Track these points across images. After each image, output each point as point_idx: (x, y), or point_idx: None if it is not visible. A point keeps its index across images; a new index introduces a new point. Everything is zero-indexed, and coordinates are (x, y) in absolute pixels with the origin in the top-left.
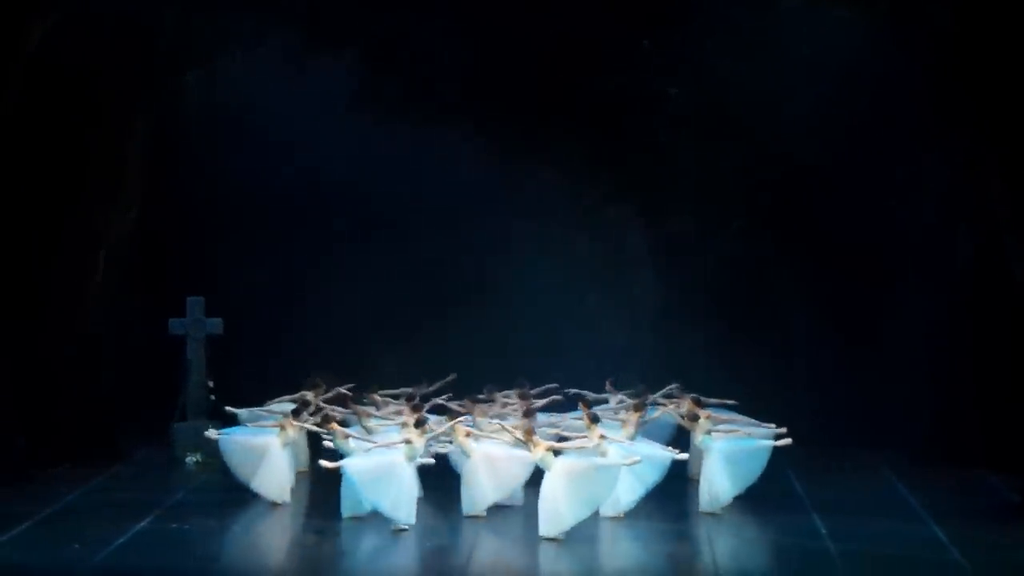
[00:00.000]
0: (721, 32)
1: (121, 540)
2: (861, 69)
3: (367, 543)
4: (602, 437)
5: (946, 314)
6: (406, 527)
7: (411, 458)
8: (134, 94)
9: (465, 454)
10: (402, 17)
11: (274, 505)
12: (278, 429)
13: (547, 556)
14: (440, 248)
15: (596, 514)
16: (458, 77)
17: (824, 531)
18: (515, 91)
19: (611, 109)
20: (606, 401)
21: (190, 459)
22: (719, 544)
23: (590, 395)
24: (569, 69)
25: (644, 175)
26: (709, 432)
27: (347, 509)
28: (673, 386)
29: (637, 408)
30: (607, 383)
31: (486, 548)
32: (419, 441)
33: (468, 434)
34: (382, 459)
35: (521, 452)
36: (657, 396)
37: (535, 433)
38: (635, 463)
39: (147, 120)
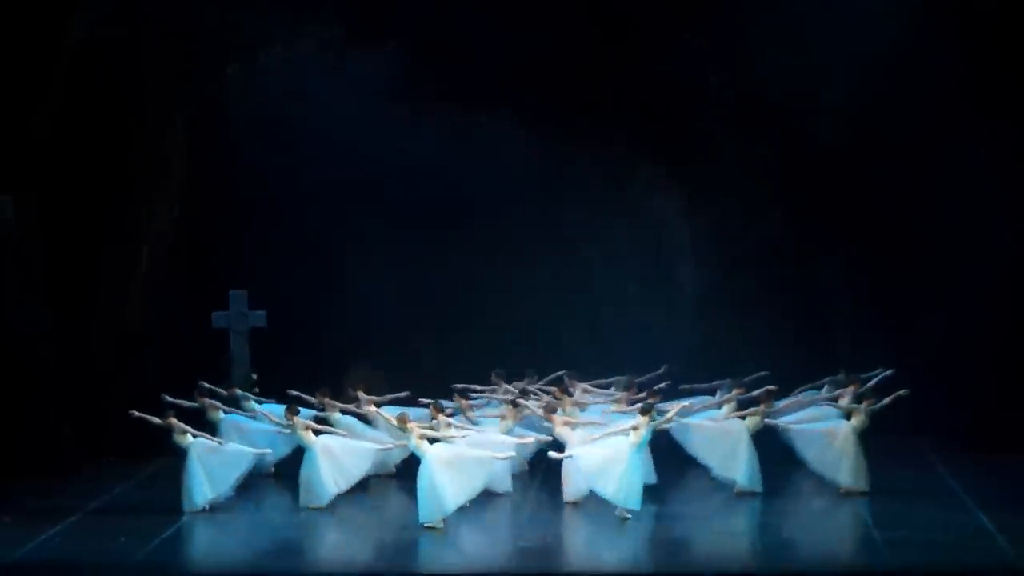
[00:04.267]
0: (760, 20)
1: (167, 533)
2: (901, 54)
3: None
4: (449, 426)
5: (990, 299)
6: (629, 515)
7: (639, 445)
8: (175, 89)
9: (306, 446)
10: (441, 8)
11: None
12: (499, 420)
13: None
14: (482, 238)
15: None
16: (498, 68)
17: (869, 518)
18: (555, 81)
19: (652, 98)
20: (492, 391)
21: None
22: (764, 529)
23: (478, 388)
24: (609, 58)
25: (685, 164)
26: (567, 424)
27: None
28: (562, 372)
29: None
30: (493, 375)
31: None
32: (645, 427)
33: (309, 427)
34: (607, 447)
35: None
36: (537, 386)
37: (410, 420)
38: (509, 457)
39: (189, 114)
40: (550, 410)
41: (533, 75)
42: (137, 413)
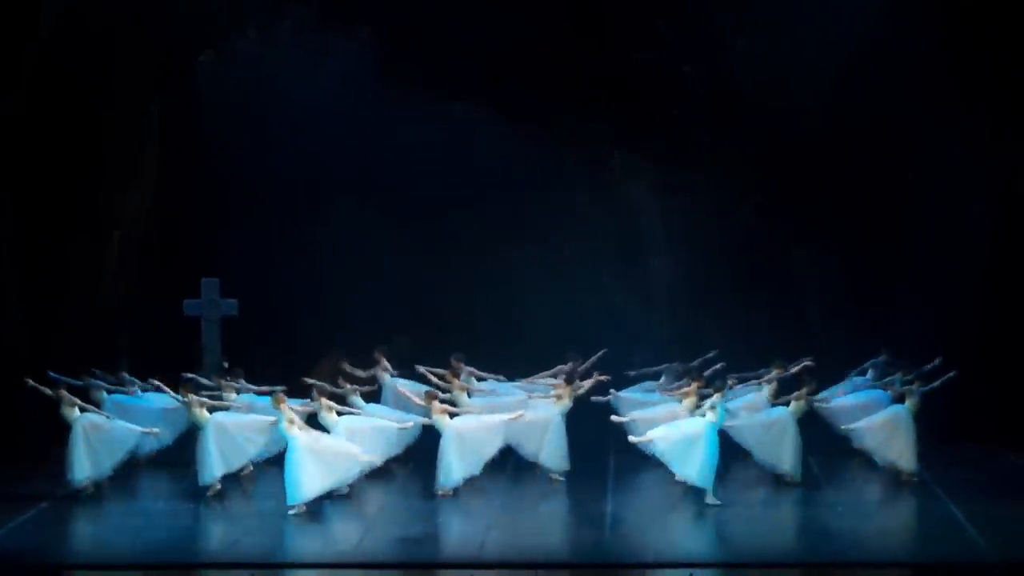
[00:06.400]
0: (736, 10)
1: (138, 521)
2: (877, 45)
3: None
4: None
5: (963, 290)
6: (718, 502)
7: (716, 424)
8: (148, 76)
9: (200, 423)
10: None
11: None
12: (555, 399)
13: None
14: (456, 227)
15: None
16: (475, 56)
17: (840, 508)
18: (532, 70)
19: (628, 88)
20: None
21: None
22: (734, 521)
23: (354, 370)
24: (586, 48)
25: (660, 154)
26: (444, 412)
27: None
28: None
29: None
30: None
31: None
32: (719, 404)
33: (203, 404)
34: (684, 430)
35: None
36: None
37: (285, 401)
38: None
39: (162, 101)
40: (431, 396)
41: (509, 65)
42: (31, 382)
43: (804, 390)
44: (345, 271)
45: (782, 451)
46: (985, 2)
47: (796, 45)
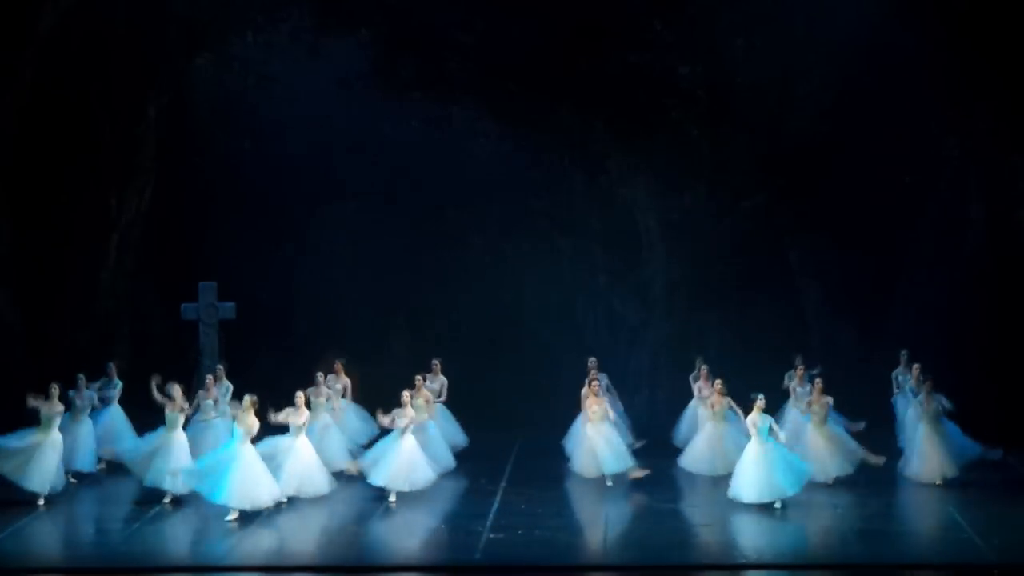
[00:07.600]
0: (733, 10)
1: (136, 525)
2: (874, 45)
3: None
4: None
5: (960, 289)
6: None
7: (763, 438)
8: (145, 79)
9: (169, 423)
10: None
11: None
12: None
13: None
14: (453, 228)
15: None
16: (472, 57)
17: (839, 509)
18: (528, 71)
19: (624, 88)
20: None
21: None
22: (736, 523)
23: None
24: (582, 49)
25: (656, 154)
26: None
27: None
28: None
29: None
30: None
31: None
32: (759, 420)
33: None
34: (747, 461)
35: None
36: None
37: (253, 408)
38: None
39: (159, 105)
40: (417, 390)
41: (506, 65)
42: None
43: (813, 396)
44: (343, 273)
45: (832, 460)
46: (985, 3)
47: (795, 45)
